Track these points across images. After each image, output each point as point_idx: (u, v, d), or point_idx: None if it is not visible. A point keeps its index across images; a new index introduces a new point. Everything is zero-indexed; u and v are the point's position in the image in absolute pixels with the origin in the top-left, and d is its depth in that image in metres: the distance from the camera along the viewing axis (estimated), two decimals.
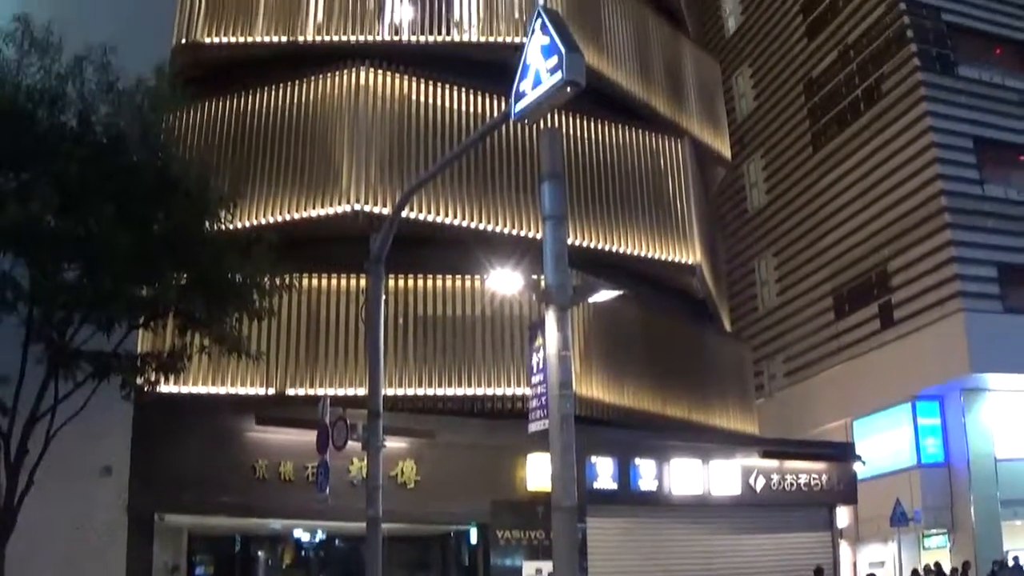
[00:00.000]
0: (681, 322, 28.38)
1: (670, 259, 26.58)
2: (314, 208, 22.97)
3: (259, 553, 26.87)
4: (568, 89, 10.94)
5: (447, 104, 24.34)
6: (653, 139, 27.50)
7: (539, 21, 11.60)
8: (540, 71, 11.36)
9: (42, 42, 14.80)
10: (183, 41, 24.56)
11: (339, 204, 22.80)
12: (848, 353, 36.60)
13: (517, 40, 24.06)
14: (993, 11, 36.62)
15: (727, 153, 34.61)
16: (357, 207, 22.66)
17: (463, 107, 24.39)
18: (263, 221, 22.67)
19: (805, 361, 39.42)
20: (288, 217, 22.98)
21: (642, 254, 26.00)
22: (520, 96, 11.72)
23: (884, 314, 34.82)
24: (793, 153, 41.19)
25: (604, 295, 13.27)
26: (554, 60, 11.03)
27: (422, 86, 24.32)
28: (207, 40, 24.89)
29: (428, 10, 25.40)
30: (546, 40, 11.32)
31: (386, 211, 21.53)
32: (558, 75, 10.91)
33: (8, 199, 13.54)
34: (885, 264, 34.85)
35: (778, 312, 41.79)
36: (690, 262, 26.85)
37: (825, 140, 39.00)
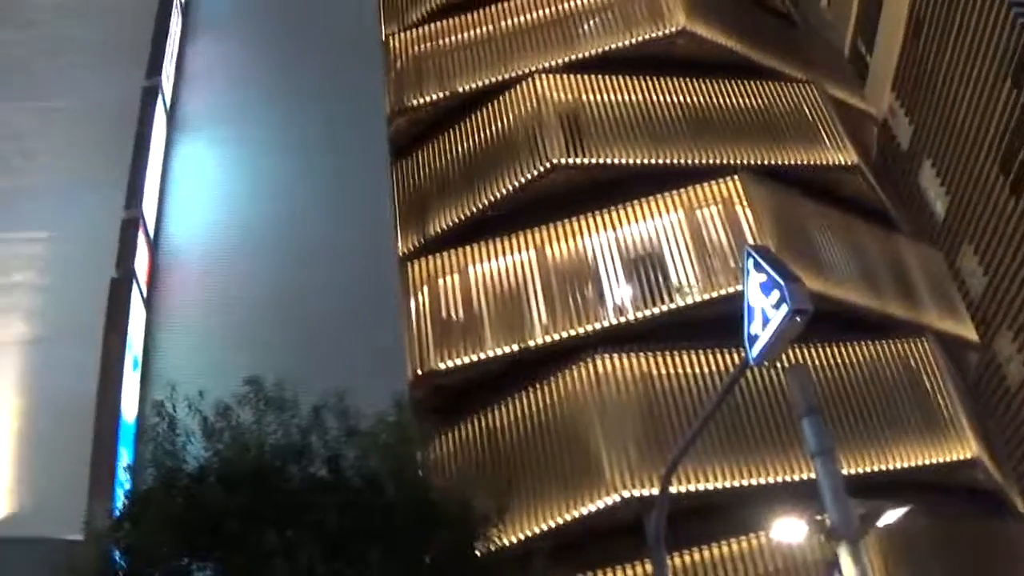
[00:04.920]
0: (975, 519, 26.00)
1: (946, 460, 24.84)
2: (582, 506, 22.44)
3: None
4: (798, 319, 10.70)
5: (686, 371, 23.90)
6: (896, 346, 26.30)
7: (751, 260, 11.50)
8: (765, 309, 11.18)
9: (276, 400, 15.16)
10: (418, 372, 25.00)
11: (607, 496, 22.19)
12: None
13: (739, 289, 23.85)
14: None
15: (973, 336, 32.85)
16: (626, 494, 22.04)
17: (702, 369, 23.89)
18: (532, 531, 22.23)
19: None
20: (557, 522, 22.43)
21: (917, 463, 24.40)
22: (753, 339, 11.51)
23: None
24: None
25: (891, 516, 12.79)
26: (776, 295, 10.88)
27: (659, 359, 24.04)
28: (441, 366, 25.28)
29: (647, 284, 25.45)
30: (763, 277, 11.22)
31: (654, 492, 21.04)
32: (784, 307, 10.69)
33: (275, 557, 13.63)
34: None
35: None
36: (968, 457, 25.02)
37: None
